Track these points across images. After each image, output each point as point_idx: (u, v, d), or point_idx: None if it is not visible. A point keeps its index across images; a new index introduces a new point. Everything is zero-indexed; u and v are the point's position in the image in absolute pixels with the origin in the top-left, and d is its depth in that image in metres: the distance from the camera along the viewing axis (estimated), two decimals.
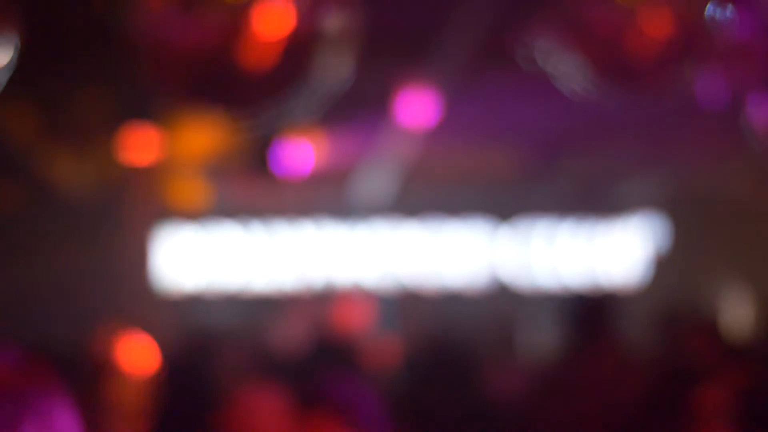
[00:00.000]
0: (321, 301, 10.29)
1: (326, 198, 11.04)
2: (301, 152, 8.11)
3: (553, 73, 3.45)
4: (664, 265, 11.28)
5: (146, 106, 6.76)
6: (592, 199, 10.77)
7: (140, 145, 8.06)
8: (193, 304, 10.90)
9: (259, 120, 3.19)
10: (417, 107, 7.21)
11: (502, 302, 11.02)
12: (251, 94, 3.02)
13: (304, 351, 6.56)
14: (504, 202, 11.21)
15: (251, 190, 10.31)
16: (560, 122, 7.98)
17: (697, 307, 6.79)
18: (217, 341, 7.69)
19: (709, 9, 3.23)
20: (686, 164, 9.98)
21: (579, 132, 8.34)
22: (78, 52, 5.85)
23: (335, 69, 3.06)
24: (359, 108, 7.43)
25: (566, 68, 3.40)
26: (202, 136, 7.96)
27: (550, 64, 3.46)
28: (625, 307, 8.21)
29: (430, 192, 11.01)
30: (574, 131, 8.33)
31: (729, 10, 3.25)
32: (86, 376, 4.62)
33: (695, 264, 10.92)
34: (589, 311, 5.13)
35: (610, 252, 11.40)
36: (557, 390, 4.93)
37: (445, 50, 5.86)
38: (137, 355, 5.28)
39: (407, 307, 10.95)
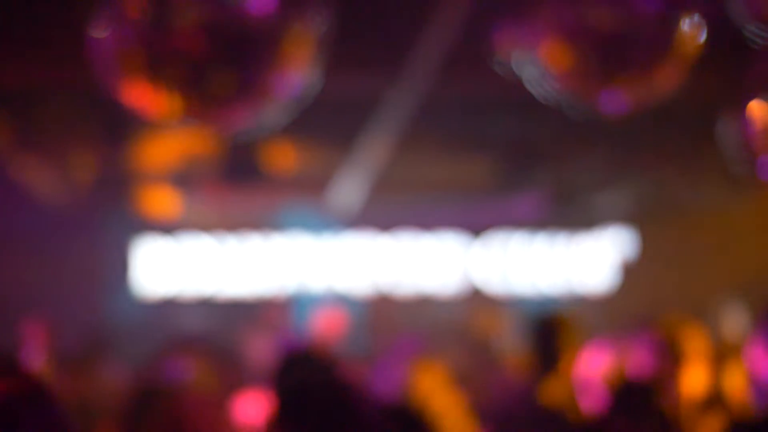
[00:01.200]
0: (292, 309, 10.35)
1: (300, 207, 11.06)
2: (276, 163, 8.10)
3: (527, 81, 3.46)
4: (634, 274, 11.36)
5: (120, 115, 6.73)
6: (564, 211, 10.80)
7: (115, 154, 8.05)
8: (169, 309, 10.93)
9: (235, 129, 3.18)
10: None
11: (475, 308, 11.07)
12: (227, 103, 3.02)
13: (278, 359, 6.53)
14: (477, 212, 11.25)
15: (226, 198, 10.31)
16: (534, 133, 8.00)
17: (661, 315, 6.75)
18: (186, 345, 7.71)
19: (679, 17, 3.25)
20: (658, 176, 10.03)
21: (552, 143, 8.35)
22: (50, 60, 5.83)
23: (307, 76, 3.06)
24: (333, 117, 7.44)
25: (539, 77, 3.41)
26: (172, 145, 7.95)
27: (524, 73, 3.47)
28: (594, 313, 8.24)
29: (403, 202, 11.04)
30: (548, 142, 8.34)
31: (697, 18, 3.27)
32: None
33: (665, 273, 11.01)
34: (544, 332, 5.10)
35: (581, 261, 11.49)
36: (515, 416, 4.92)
37: (419, 58, 5.86)
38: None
39: (379, 313, 10.98)
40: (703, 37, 3.37)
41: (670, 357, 4.99)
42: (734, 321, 9.62)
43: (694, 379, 4.87)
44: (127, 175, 9.19)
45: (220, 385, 6.17)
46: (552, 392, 4.87)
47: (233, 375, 6.96)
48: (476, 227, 11.36)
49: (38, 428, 1.69)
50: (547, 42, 3.33)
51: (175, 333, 10.01)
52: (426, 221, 11.29)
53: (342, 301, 10.70)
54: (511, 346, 8.93)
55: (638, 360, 5.20)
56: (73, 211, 10.06)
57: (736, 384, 5.20)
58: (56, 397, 1.76)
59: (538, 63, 3.40)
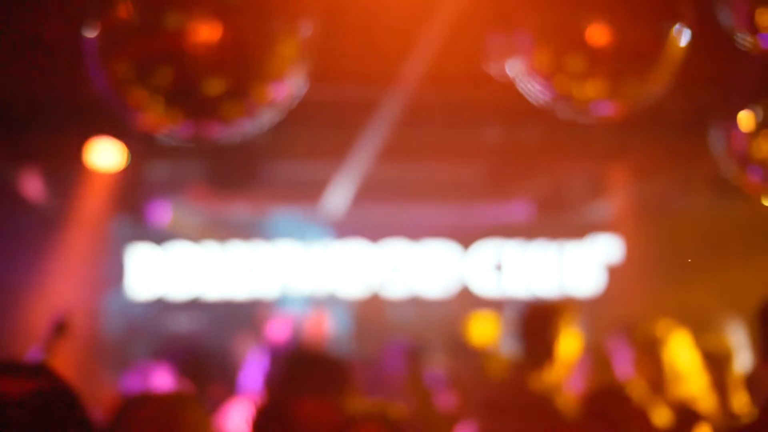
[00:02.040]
0: (280, 312, 10.40)
1: (289, 212, 11.09)
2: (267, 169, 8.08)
3: (520, 86, 3.47)
4: (622, 280, 11.42)
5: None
6: (554, 217, 10.79)
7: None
8: (162, 313, 11.00)
9: (224, 136, 3.18)
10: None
11: (467, 309, 11.12)
12: (214, 109, 3.02)
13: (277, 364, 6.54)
14: (468, 218, 11.28)
15: (217, 204, 10.35)
16: (525, 139, 7.99)
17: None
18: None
19: (666, 27, 3.26)
20: (646, 184, 10.05)
21: (543, 152, 8.34)
22: (44, 62, 5.82)
23: (297, 84, 3.06)
24: (324, 126, 7.45)
25: (531, 86, 3.42)
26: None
27: (519, 80, 3.47)
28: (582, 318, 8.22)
29: (392, 207, 11.06)
30: (538, 151, 8.32)
31: (685, 28, 3.29)
32: None
33: (653, 280, 11.08)
34: (531, 323, 5.06)
35: (571, 267, 11.56)
36: (499, 406, 4.89)
37: (409, 65, 5.85)
38: None
39: (366, 317, 11.02)
40: (691, 46, 3.38)
41: (654, 362, 5.00)
42: (725, 327, 9.67)
43: (677, 383, 4.88)
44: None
45: (204, 393, 6.15)
46: (541, 380, 4.85)
47: (218, 383, 6.95)
48: (466, 233, 11.39)
49: (67, 424, 1.76)
50: (536, 51, 3.35)
51: (164, 339, 10.07)
52: (416, 227, 11.33)
53: (330, 304, 10.76)
54: (504, 350, 8.93)
55: (622, 364, 5.22)
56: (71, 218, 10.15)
57: (728, 388, 5.21)
58: (81, 397, 1.83)
59: (529, 70, 3.41)
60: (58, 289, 10.33)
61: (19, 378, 1.72)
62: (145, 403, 2.84)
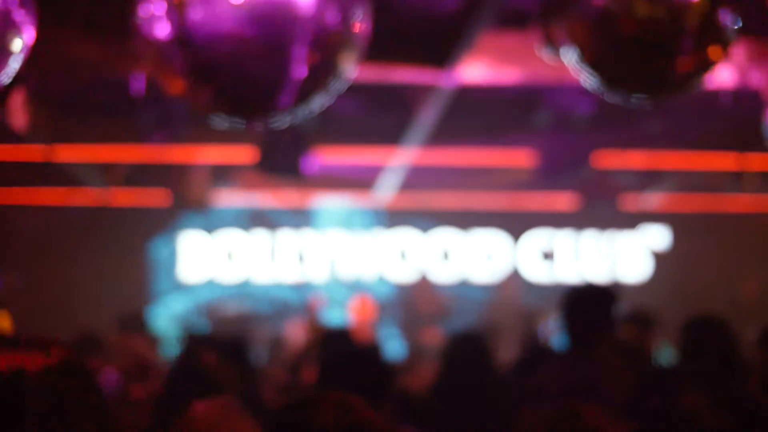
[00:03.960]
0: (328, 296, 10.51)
1: (338, 200, 11.14)
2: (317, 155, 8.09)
3: (577, 71, 3.44)
4: (666, 267, 11.42)
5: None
6: (602, 205, 10.76)
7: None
8: (211, 297, 11.15)
9: (277, 124, 3.19)
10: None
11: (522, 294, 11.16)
12: (269, 99, 3.02)
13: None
14: (517, 205, 11.29)
15: (266, 191, 10.42)
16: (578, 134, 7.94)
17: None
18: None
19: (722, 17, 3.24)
20: (691, 177, 9.99)
21: (595, 144, 8.28)
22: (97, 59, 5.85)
23: (346, 69, 3.06)
24: (378, 112, 7.45)
25: (584, 73, 3.40)
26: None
27: (573, 67, 3.44)
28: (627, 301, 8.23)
29: (441, 195, 11.09)
30: (591, 143, 8.25)
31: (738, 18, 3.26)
32: None
33: (694, 267, 11.08)
34: (583, 303, 4.95)
35: (620, 255, 11.57)
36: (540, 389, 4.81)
37: (464, 46, 5.80)
38: None
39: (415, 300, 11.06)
40: (739, 31, 3.34)
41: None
42: None
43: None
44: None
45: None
46: (586, 367, 4.77)
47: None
48: (516, 221, 11.41)
49: (81, 398, 1.81)
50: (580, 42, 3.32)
51: (214, 323, 10.21)
52: (465, 214, 11.35)
53: (377, 289, 10.84)
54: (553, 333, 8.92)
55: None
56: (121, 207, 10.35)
57: None
58: (94, 373, 1.89)
59: (578, 57, 3.39)
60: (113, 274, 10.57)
61: (34, 352, 1.79)
62: (189, 410, 2.85)
